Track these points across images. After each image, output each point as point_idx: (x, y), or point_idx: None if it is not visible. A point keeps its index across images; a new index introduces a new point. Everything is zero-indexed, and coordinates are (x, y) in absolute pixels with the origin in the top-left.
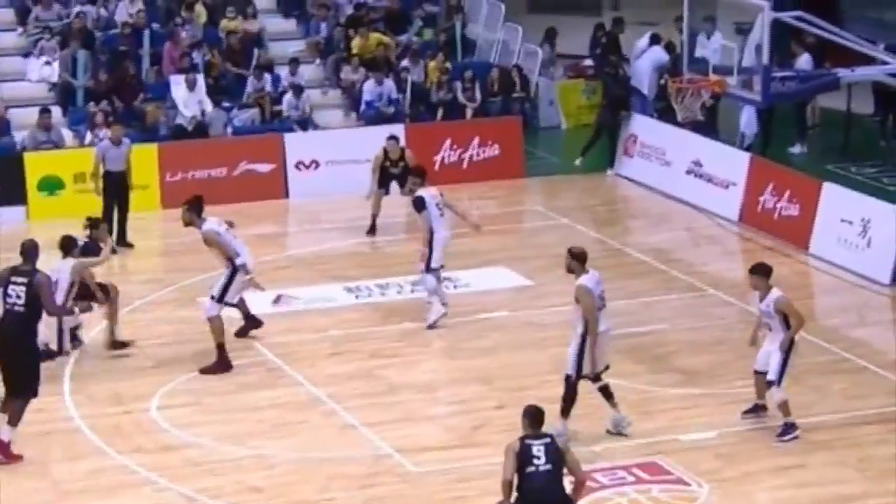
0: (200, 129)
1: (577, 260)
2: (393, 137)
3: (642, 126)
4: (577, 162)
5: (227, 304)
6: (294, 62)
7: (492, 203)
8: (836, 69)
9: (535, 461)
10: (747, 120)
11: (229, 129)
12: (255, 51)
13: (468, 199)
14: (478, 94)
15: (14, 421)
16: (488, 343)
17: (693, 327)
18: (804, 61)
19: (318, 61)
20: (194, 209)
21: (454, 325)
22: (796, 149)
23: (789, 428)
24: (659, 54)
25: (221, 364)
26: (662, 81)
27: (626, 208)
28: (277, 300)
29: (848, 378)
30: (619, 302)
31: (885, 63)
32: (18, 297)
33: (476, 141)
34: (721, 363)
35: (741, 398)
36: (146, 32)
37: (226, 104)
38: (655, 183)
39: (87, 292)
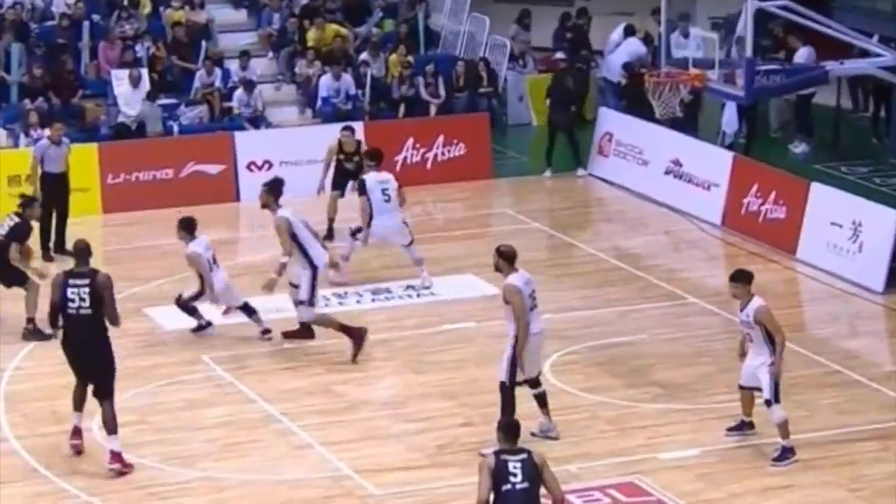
0: (145, 128)
1: (505, 259)
2: (348, 128)
3: (618, 123)
4: (547, 174)
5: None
6: (245, 55)
7: (458, 206)
8: (824, 62)
9: (512, 479)
10: (728, 117)
11: (176, 128)
12: (203, 43)
13: (433, 201)
14: (442, 90)
15: (114, 428)
16: (454, 356)
17: (673, 338)
18: (803, 55)
19: (270, 54)
20: (273, 191)
21: (418, 337)
22: (799, 147)
23: (787, 452)
24: (635, 46)
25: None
26: (623, 80)
27: (601, 211)
28: (227, 311)
29: (839, 392)
30: (593, 311)
31: (878, 55)
32: (83, 299)
33: (440, 140)
34: (703, 376)
35: (724, 413)
36: (85, 24)
37: (171, 101)
38: (632, 184)
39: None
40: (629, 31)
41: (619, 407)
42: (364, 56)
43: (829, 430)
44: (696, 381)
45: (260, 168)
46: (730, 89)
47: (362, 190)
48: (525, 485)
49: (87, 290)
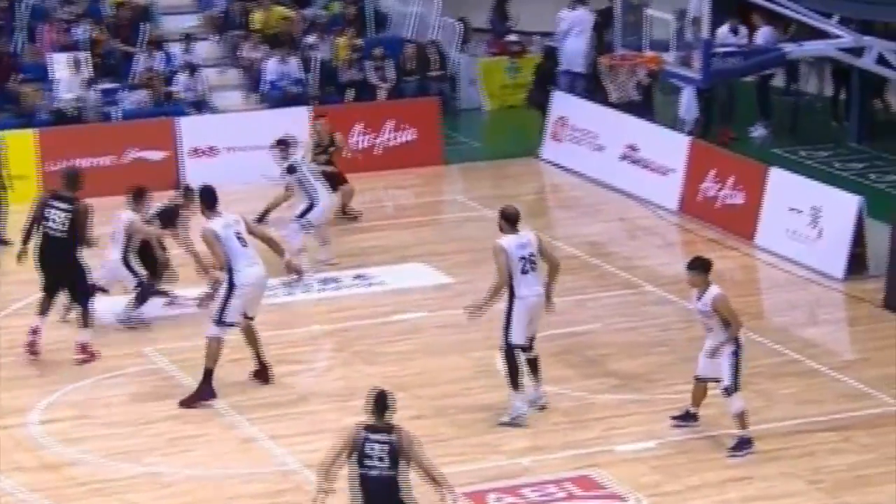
0: (85, 113)
1: (505, 219)
2: (321, 116)
3: (572, 107)
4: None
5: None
6: (188, 38)
7: (408, 193)
8: (782, 44)
9: (368, 462)
10: (687, 104)
11: (118, 113)
12: (145, 26)
13: (383, 188)
14: (391, 73)
15: (86, 323)
16: (405, 347)
17: (629, 327)
18: (763, 35)
19: (214, 37)
20: (203, 201)
21: (367, 328)
22: (757, 131)
23: (745, 443)
24: (583, 16)
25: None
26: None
27: (555, 198)
28: (171, 302)
29: (798, 381)
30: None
31: (837, 37)
32: (62, 223)
33: (390, 125)
34: (660, 366)
35: (682, 404)
36: (22, 5)
37: (112, 85)
38: (587, 169)
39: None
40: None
41: (574, 398)
42: (311, 39)
43: (789, 421)
44: (653, 371)
45: (204, 154)
46: (686, 72)
47: (292, 170)
48: (380, 471)
49: (67, 215)
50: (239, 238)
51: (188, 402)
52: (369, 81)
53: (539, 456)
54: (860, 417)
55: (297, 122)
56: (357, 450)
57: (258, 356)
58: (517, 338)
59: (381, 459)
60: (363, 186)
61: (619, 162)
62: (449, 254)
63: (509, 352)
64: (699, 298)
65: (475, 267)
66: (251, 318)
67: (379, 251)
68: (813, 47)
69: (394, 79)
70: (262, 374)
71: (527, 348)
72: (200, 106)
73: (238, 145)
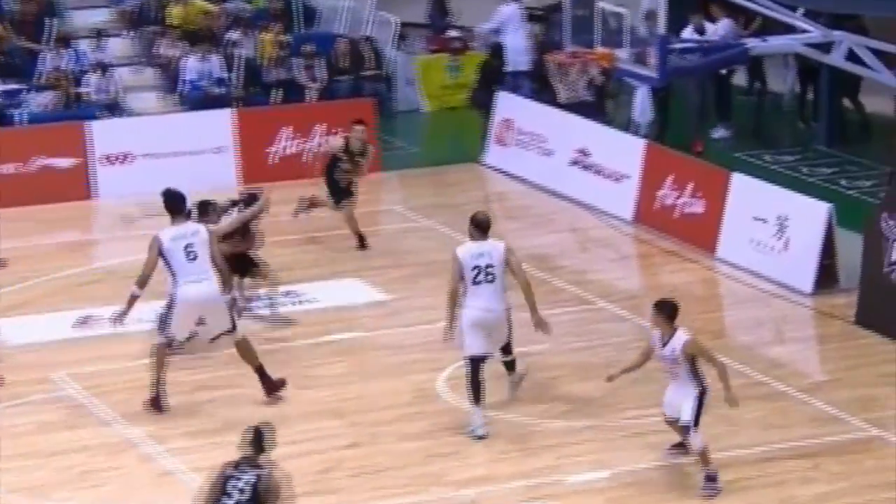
0: None
1: (474, 226)
2: (361, 123)
3: (518, 109)
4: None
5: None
6: (99, 35)
7: None
8: (745, 39)
9: (227, 501)
10: (641, 106)
11: (22, 117)
12: (52, 21)
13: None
14: (322, 73)
15: None
16: (339, 370)
17: (581, 347)
18: (724, 27)
19: (128, 33)
20: (166, 207)
21: (298, 350)
22: (719, 132)
23: (710, 481)
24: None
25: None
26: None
27: (500, 207)
28: (83, 322)
29: (765, 405)
30: None
31: (804, 31)
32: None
33: (321, 129)
34: (614, 390)
35: (637, 431)
36: None
37: (16, 86)
38: (535, 176)
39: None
40: None
41: (522, 425)
42: (234, 35)
43: (755, 448)
44: (607, 395)
45: (118, 161)
46: (641, 70)
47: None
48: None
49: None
50: (188, 251)
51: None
52: (298, 81)
53: (485, 487)
54: (831, 443)
55: (219, 125)
56: (220, 488)
57: (258, 373)
58: (470, 348)
59: (241, 491)
60: (291, 196)
61: (569, 168)
62: (386, 268)
63: (468, 364)
64: (664, 344)
65: (414, 283)
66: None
67: (310, 266)
68: (778, 43)
69: (325, 78)
70: (272, 386)
71: (505, 351)
72: (113, 108)
73: (155, 151)
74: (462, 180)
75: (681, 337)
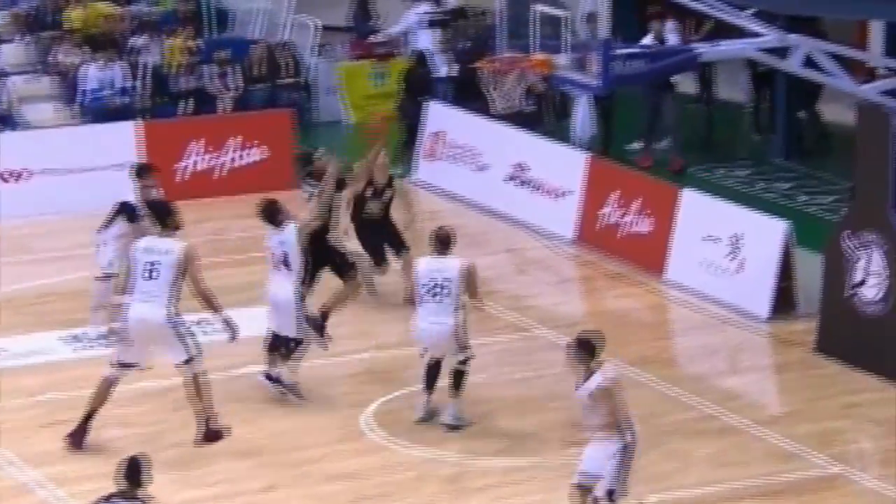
0: None
1: (436, 240)
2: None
3: (450, 120)
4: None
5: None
6: None
7: (256, 222)
8: (694, 44)
9: None
10: (582, 119)
11: None
12: None
13: (228, 217)
14: (236, 81)
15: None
16: (255, 405)
17: (518, 378)
18: (668, 30)
19: (23, 39)
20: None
21: (211, 384)
22: (662, 142)
23: None
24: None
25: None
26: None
27: (431, 226)
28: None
29: (718, 440)
30: None
31: (756, 35)
32: None
33: (235, 142)
34: (555, 424)
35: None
36: None
37: None
38: (468, 192)
39: None
40: None
41: (454, 463)
42: (139, 40)
43: (708, 487)
44: (547, 429)
45: (13, 179)
46: (582, 77)
47: (133, 217)
48: None
49: None
50: (150, 269)
51: None
52: (209, 90)
53: None
54: (790, 482)
55: (123, 139)
56: None
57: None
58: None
59: None
60: (201, 215)
61: (505, 183)
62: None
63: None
64: (584, 381)
65: (337, 311)
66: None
67: (224, 292)
68: (730, 48)
69: (239, 87)
70: (210, 435)
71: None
72: (7, 120)
73: (54, 167)
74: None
75: (596, 378)
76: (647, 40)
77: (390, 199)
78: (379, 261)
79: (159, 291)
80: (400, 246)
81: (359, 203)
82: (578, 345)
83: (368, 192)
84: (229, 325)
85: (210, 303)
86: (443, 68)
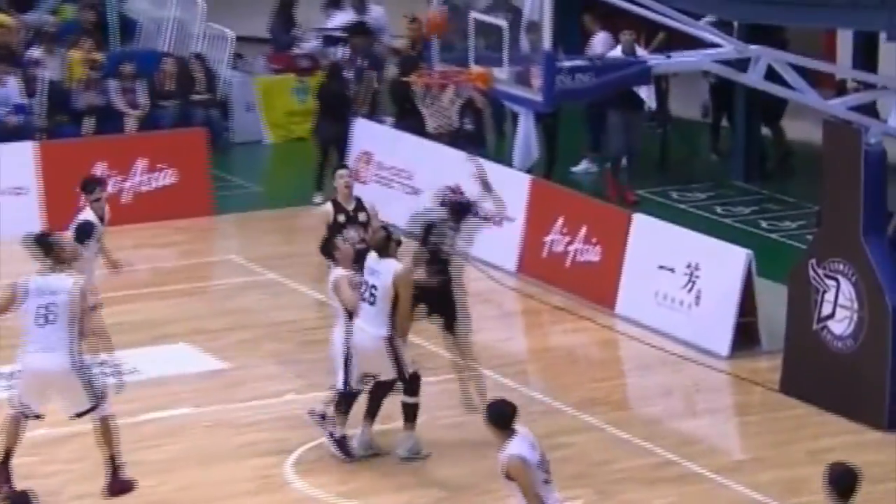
0: None
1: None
2: (344, 167)
3: (378, 140)
4: (318, 199)
5: None
6: None
7: (166, 253)
8: (645, 55)
9: None
10: (524, 141)
11: None
12: None
13: (133, 246)
14: (143, 97)
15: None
16: (165, 454)
17: (456, 423)
18: (600, 42)
19: None
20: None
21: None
22: (582, 165)
23: None
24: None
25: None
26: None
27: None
28: None
29: (675, 489)
30: None
31: (714, 46)
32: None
33: (142, 164)
34: (492, 473)
35: None
36: None
37: None
38: (398, 218)
39: None
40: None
41: None
42: (36, 53)
43: None
44: (487, 479)
45: None
46: (523, 92)
47: (87, 235)
48: None
49: None
50: (43, 314)
51: None
52: (114, 107)
53: None
54: None
55: (19, 161)
56: None
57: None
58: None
59: None
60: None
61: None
62: (221, 331)
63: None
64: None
65: (255, 348)
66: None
67: (129, 329)
68: (685, 59)
69: (147, 104)
70: (119, 486)
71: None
72: None
73: None
74: (312, 225)
75: (506, 451)
76: (616, 53)
77: (368, 221)
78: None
79: (55, 341)
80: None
81: (333, 232)
82: (487, 413)
83: (342, 219)
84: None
85: (102, 344)
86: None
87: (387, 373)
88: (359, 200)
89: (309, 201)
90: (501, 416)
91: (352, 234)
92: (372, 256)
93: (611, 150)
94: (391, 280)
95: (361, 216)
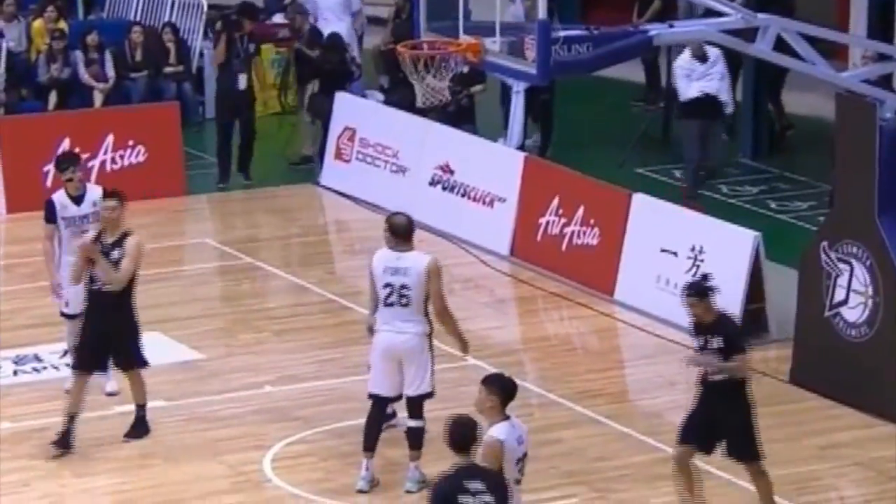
0: None
1: (391, 232)
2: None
3: (362, 115)
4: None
5: None
6: None
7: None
8: (646, 25)
9: None
10: (515, 120)
11: None
12: None
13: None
14: (111, 70)
15: None
16: (134, 450)
17: (446, 415)
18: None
19: None
20: None
21: (83, 424)
22: (531, 138)
23: None
24: None
25: None
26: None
27: (340, 239)
28: None
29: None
30: (332, 381)
31: (718, 15)
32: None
33: (109, 140)
34: None
35: None
36: None
37: None
38: (384, 199)
39: None
40: None
41: None
42: None
43: None
44: None
45: None
46: (516, 65)
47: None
48: None
49: None
50: None
51: None
52: (80, 80)
53: None
54: None
55: None
56: None
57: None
58: (372, 385)
59: None
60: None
61: (428, 188)
62: (196, 319)
63: (371, 403)
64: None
65: (230, 337)
66: None
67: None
68: (688, 29)
69: (114, 77)
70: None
71: (411, 412)
72: None
73: None
74: (292, 206)
75: (490, 430)
76: (685, 58)
77: (120, 259)
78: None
79: None
80: None
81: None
82: (489, 381)
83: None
84: None
85: None
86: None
87: (414, 380)
88: (124, 234)
89: (289, 181)
90: (507, 391)
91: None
92: (385, 257)
93: (687, 161)
94: (424, 273)
95: (115, 252)
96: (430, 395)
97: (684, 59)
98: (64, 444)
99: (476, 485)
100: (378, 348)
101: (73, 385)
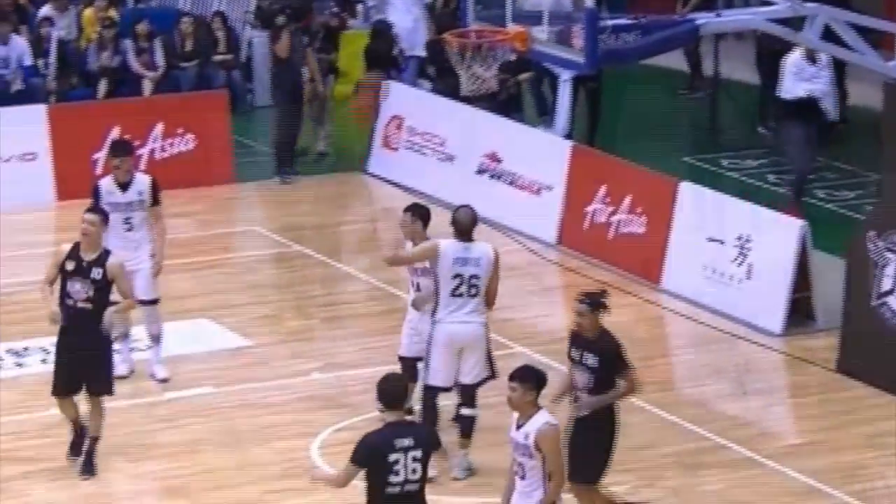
0: None
1: (455, 229)
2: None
3: (410, 103)
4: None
5: None
6: None
7: (185, 223)
8: (693, 14)
9: None
10: (560, 108)
11: None
12: None
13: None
14: (160, 58)
15: None
16: (185, 436)
17: (492, 402)
18: None
19: None
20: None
21: (130, 412)
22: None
23: None
24: None
25: None
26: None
27: (388, 227)
28: None
29: (725, 475)
30: (378, 368)
31: (766, 4)
32: None
33: (159, 129)
34: (493, 463)
35: None
36: None
37: None
38: (432, 188)
39: None
40: None
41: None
42: (45, 10)
43: None
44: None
45: None
46: (564, 53)
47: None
48: None
49: None
50: None
51: None
52: (130, 69)
53: None
54: None
55: (30, 126)
56: None
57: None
58: (433, 377)
59: None
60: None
61: (475, 177)
62: (244, 306)
63: (426, 395)
64: (518, 426)
65: (279, 324)
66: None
67: None
68: (735, 18)
69: (164, 65)
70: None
71: (466, 400)
72: None
73: None
74: (340, 194)
75: (538, 420)
76: (794, 58)
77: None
78: None
79: None
80: None
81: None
82: (525, 376)
83: (70, 267)
84: None
85: None
86: (412, 43)
87: (473, 368)
88: (104, 252)
89: (337, 169)
90: (542, 380)
91: (77, 287)
92: (454, 248)
93: (794, 168)
94: (493, 262)
95: (95, 271)
96: (490, 378)
97: (795, 58)
98: (77, 452)
99: (406, 441)
100: (441, 340)
101: (58, 405)
